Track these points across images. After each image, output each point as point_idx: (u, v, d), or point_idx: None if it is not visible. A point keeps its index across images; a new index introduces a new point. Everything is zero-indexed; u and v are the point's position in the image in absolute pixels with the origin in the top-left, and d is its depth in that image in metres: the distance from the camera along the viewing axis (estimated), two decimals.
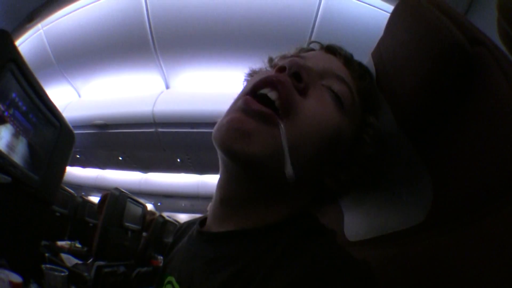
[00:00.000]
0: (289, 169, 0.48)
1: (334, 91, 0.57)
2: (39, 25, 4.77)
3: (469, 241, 0.44)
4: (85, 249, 3.48)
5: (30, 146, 1.19)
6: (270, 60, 0.72)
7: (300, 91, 0.53)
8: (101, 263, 2.31)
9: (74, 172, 10.04)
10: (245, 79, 0.72)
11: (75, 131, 1.61)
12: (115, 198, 2.49)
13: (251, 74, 0.72)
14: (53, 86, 5.67)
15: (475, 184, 0.44)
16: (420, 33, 0.50)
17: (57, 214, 3.21)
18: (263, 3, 3.83)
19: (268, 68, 0.71)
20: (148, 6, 4.11)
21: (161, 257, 3.47)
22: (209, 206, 0.68)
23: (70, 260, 2.53)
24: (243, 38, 4.21)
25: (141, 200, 3.10)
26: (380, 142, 0.61)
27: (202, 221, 0.68)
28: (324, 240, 0.51)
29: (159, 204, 12.47)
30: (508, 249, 0.38)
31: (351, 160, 0.60)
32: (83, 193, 8.37)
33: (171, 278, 0.62)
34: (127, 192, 2.65)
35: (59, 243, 3.22)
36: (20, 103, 1.11)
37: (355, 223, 0.78)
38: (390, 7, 3.37)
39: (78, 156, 8.32)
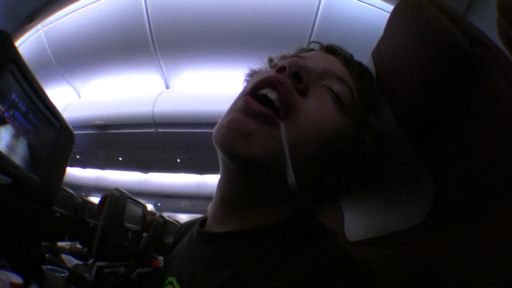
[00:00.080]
0: (291, 178, 0.47)
1: (334, 91, 0.57)
2: (39, 26, 4.77)
3: (469, 241, 0.44)
4: (86, 249, 3.48)
5: (30, 147, 1.19)
6: (270, 60, 0.72)
7: (300, 91, 0.53)
8: (102, 263, 2.31)
9: (74, 172, 10.04)
10: (245, 80, 0.72)
11: (75, 132, 1.61)
12: (116, 198, 2.48)
13: (251, 74, 0.72)
14: (53, 87, 5.67)
15: (475, 184, 0.44)
16: (420, 33, 0.50)
17: (58, 214, 3.21)
18: (262, 3, 3.83)
19: (268, 68, 0.71)
20: (148, 7, 4.11)
21: (162, 258, 3.47)
22: (210, 206, 0.68)
23: (70, 261, 2.52)
24: (243, 38, 4.21)
25: (141, 201, 3.10)
26: (380, 142, 0.61)
27: (202, 222, 0.68)
28: (324, 240, 0.51)
29: (159, 204, 12.47)
30: (508, 249, 0.38)
31: (351, 160, 0.60)
32: (83, 194, 8.39)
33: (172, 279, 0.62)
34: (127, 193, 2.65)
35: (60, 243, 3.21)
36: (20, 104, 1.11)
37: (355, 223, 0.78)
38: (390, 7, 3.37)
39: (78, 156, 8.32)
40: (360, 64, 0.66)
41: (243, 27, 4.08)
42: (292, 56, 0.67)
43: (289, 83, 0.52)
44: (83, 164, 9.42)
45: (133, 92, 5.57)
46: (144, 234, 3.38)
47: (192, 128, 5.14)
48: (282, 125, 0.49)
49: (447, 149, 0.50)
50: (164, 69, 5.07)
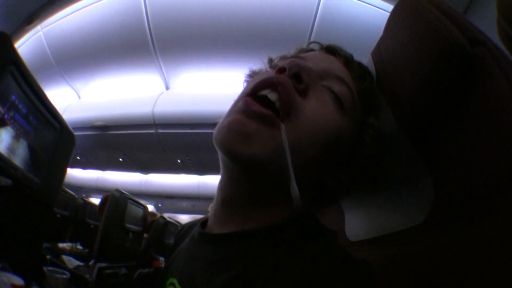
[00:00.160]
0: (295, 190, 0.47)
1: (334, 91, 0.57)
2: (38, 27, 4.76)
3: (469, 241, 0.44)
4: (86, 250, 3.49)
5: (31, 148, 1.19)
6: (270, 60, 0.72)
7: (300, 92, 0.53)
8: (103, 264, 2.31)
9: (74, 173, 10.04)
10: (245, 80, 0.72)
11: (75, 133, 1.60)
12: (116, 199, 2.48)
13: (251, 75, 0.73)
14: (53, 88, 5.67)
15: (475, 184, 0.44)
16: (420, 33, 0.50)
17: (58, 216, 3.21)
18: (262, 3, 3.83)
19: (268, 69, 0.71)
20: (148, 7, 4.11)
21: (163, 258, 3.47)
22: (210, 207, 0.68)
23: (71, 262, 2.53)
24: (243, 38, 4.21)
25: (142, 201, 3.10)
26: (380, 142, 0.61)
27: (203, 223, 0.68)
28: (325, 240, 0.51)
29: (160, 205, 12.47)
30: (508, 249, 0.38)
31: (352, 160, 0.60)
32: (83, 195, 8.40)
33: (173, 280, 0.62)
34: (128, 194, 2.65)
35: (61, 245, 3.22)
36: (20, 106, 1.11)
37: (356, 223, 0.78)
38: (390, 7, 3.37)
39: (78, 157, 8.32)
40: (360, 64, 0.66)
41: (243, 27, 4.08)
42: (292, 56, 0.67)
43: (289, 84, 0.52)
44: (84, 165, 9.41)
45: (133, 93, 5.56)
46: (145, 235, 3.38)
47: (192, 128, 5.14)
48: (282, 126, 0.49)
49: (447, 149, 0.50)
50: (164, 70, 5.07)
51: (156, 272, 3.13)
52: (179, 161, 8.12)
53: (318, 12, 3.76)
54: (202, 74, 5.03)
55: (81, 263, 2.58)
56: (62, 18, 4.58)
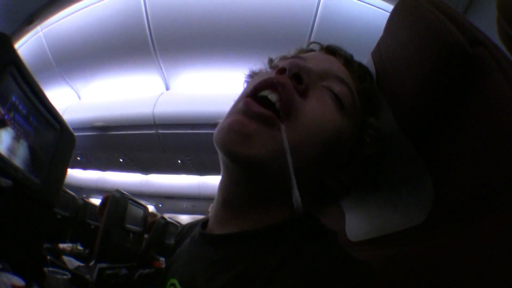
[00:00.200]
0: (296, 197, 0.47)
1: (334, 92, 0.57)
2: (38, 28, 4.76)
3: (469, 241, 0.44)
4: (87, 251, 3.49)
5: (31, 149, 1.19)
6: (270, 61, 0.72)
7: (300, 92, 0.53)
8: (103, 265, 2.31)
9: (75, 174, 10.04)
10: (245, 81, 0.72)
11: (76, 133, 1.60)
12: (117, 200, 2.48)
13: (251, 75, 0.73)
14: (53, 89, 5.67)
15: (475, 184, 0.44)
16: (420, 33, 0.50)
17: (59, 216, 3.21)
18: (261, 3, 3.82)
19: (268, 69, 0.71)
20: (147, 8, 4.11)
21: (163, 259, 3.47)
22: (211, 207, 0.68)
23: (72, 262, 2.53)
24: (242, 38, 4.21)
25: (142, 202, 3.10)
26: (380, 142, 0.61)
27: (204, 223, 0.68)
28: (325, 241, 0.51)
29: (160, 205, 12.48)
30: (508, 249, 0.38)
31: (352, 160, 0.60)
32: (84, 195, 8.39)
33: (174, 280, 0.62)
34: (128, 194, 2.65)
35: (61, 245, 3.22)
36: (20, 106, 1.11)
37: (356, 223, 0.78)
38: (390, 7, 3.37)
39: (78, 158, 8.33)
40: (360, 65, 0.66)
41: (243, 28, 4.08)
42: (292, 57, 0.67)
43: (290, 85, 0.52)
44: (84, 166, 9.42)
45: (133, 93, 5.56)
46: (146, 236, 3.38)
47: (193, 129, 5.14)
48: (282, 126, 0.49)
49: (447, 149, 0.50)
50: (164, 70, 5.07)
51: (156, 273, 3.13)
52: (179, 161, 8.13)
53: (318, 12, 3.76)
54: (202, 74, 5.03)
55: (81, 264, 2.58)
56: (62, 18, 4.58)
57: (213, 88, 5.07)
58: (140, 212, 3.01)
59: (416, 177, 0.56)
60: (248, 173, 0.52)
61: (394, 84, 0.58)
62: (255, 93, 0.54)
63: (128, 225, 2.62)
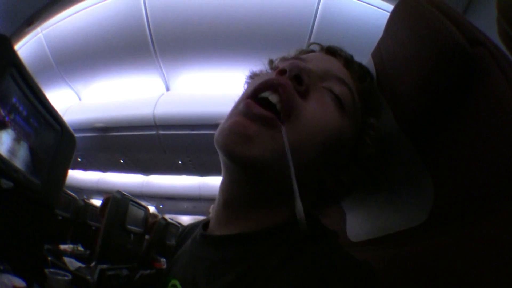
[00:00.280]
0: (300, 211, 0.47)
1: (335, 93, 0.57)
2: (38, 29, 4.76)
3: (469, 241, 0.44)
4: (88, 252, 3.49)
5: (32, 151, 1.19)
6: (271, 62, 0.72)
7: (301, 93, 0.53)
8: (104, 266, 2.31)
9: (75, 175, 10.05)
10: (245, 82, 0.72)
11: (76, 135, 1.60)
12: (117, 201, 2.48)
13: (252, 76, 0.73)
14: (54, 90, 5.67)
15: (475, 184, 0.44)
16: (420, 34, 0.50)
17: (59, 217, 3.21)
18: (261, 3, 3.82)
19: (269, 70, 0.71)
20: (147, 9, 4.11)
21: (164, 259, 3.47)
22: (211, 208, 0.68)
23: (73, 264, 2.53)
24: (243, 39, 4.21)
25: (143, 203, 3.10)
26: (381, 143, 0.61)
27: (205, 224, 0.68)
28: (326, 241, 0.51)
29: (161, 206, 12.48)
30: (508, 249, 0.38)
31: (352, 161, 0.60)
32: (84, 196, 8.39)
33: (175, 281, 0.62)
34: (129, 195, 2.65)
35: (62, 246, 3.22)
36: (21, 108, 1.11)
37: (357, 224, 0.78)
38: (390, 6, 3.37)
39: (79, 159, 8.33)
40: (360, 65, 0.66)
41: (242, 28, 4.08)
42: (292, 58, 0.67)
43: (290, 86, 0.52)
44: (84, 167, 9.43)
45: (133, 94, 5.56)
46: (146, 236, 3.39)
47: (193, 129, 5.14)
48: (283, 127, 0.49)
49: (447, 149, 0.50)
50: (164, 71, 5.07)
51: (157, 273, 3.14)
52: (180, 162, 8.13)
53: (318, 12, 3.75)
54: (202, 75, 5.02)
55: (82, 265, 2.58)
56: (62, 19, 4.58)
57: (214, 88, 5.06)
58: (141, 213, 3.01)
59: (417, 177, 0.56)
60: (249, 174, 0.52)
61: (394, 84, 0.58)
62: (256, 95, 0.54)
63: (129, 226, 2.63)
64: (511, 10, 0.57)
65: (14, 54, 1.08)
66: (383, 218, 0.66)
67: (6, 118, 1.04)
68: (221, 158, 0.55)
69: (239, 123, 0.50)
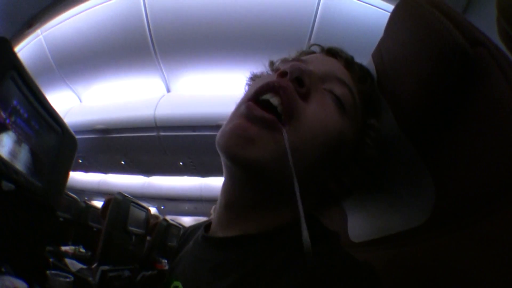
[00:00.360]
0: (306, 239, 0.46)
1: (336, 94, 0.57)
2: (38, 31, 4.77)
3: (470, 242, 0.44)
4: (89, 253, 3.49)
5: (33, 153, 1.19)
6: (271, 63, 0.73)
7: (302, 95, 0.54)
8: (106, 267, 2.31)
9: (76, 177, 10.06)
10: (246, 84, 0.72)
11: (77, 136, 1.60)
12: (119, 202, 2.48)
13: (253, 78, 0.73)
14: (54, 92, 5.68)
15: (476, 185, 0.44)
16: (420, 34, 0.50)
17: (61, 219, 3.21)
18: (261, 4, 3.83)
19: (269, 72, 0.71)
20: (147, 10, 4.11)
21: (165, 261, 3.47)
22: (213, 209, 0.68)
23: (74, 265, 2.52)
24: (243, 39, 4.21)
25: (144, 204, 3.10)
26: (382, 144, 0.61)
27: (207, 226, 0.68)
28: (327, 242, 0.51)
29: (162, 207, 12.48)
30: (509, 249, 0.38)
31: (353, 162, 0.60)
32: (86, 198, 8.40)
33: (177, 283, 0.62)
34: (130, 197, 2.65)
35: (63, 248, 3.22)
36: (21, 110, 1.11)
37: (358, 224, 0.78)
38: (390, 7, 3.37)
39: (80, 161, 8.34)
40: (361, 66, 0.66)
41: (243, 29, 4.08)
42: (293, 59, 0.67)
43: (291, 88, 0.53)
44: (86, 169, 9.44)
45: (134, 95, 5.57)
46: (148, 238, 3.39)
47: (194, 130, 5.14)
48: (284, 130, 0.49)
49: (448, 149, 0.50)
50: (164, 72, 5.07)
51: (158, 275, 3.13)
52: (181, 163, 8.14)
53: (318, 13, 3.76)
54: (203, 76, 5.03)
55: (84, 266, 2.57)
56: (62, 21, 4.59)
57: (214, 89, 5.07)
58: (142, 214, 3.01)
59: (417, 178, 0.56)
60: (250, 176, 0.52)
61: (394, 85, 0.58)
62: (257, 97, 0.54)
63: (130, 227, 2.62)
64: (511, 10, 0.57)
65: (14, 56, 1.08)
66: (383, 219, 0.66)
67: (7, 121, 1.04)
68: (223, 160, 0.55)
69: (241, 125, 0.51)
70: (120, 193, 2.53)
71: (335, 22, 3.78)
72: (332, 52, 0.67)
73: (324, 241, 0.51)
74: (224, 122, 0.57)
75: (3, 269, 1.07)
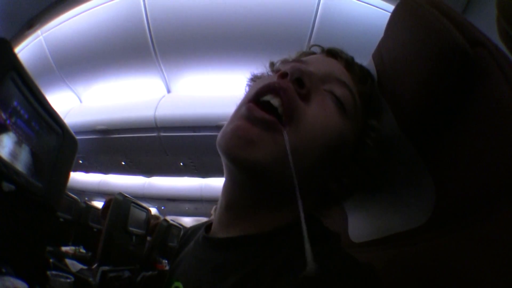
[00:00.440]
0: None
1: (336, 95, 0.57)
2: (38, 32, 4.76)
3: (470, 242, 0.44)
4: (90, 254, 3.49)
5: (33, 154, 1.19)
6: (272, 64, 0.73)
7: (302, 97, 0.54)
8: (106, 268, 2.31)
9: (77, 177, 10.05)
10: (247, 85, 0.72)
11: (78, 137, 1.60)
12: (119, 203, 2.48)
13: (253, 79, 0.73)
14: (54, 92, 5.68)
15: (476, 185, 0.44)
16: (420, 35, 0.50)
17: (61, 219, 3.21)
18: (261, 5, 3.82)
19: (270, 73, 0.71)
20: (148, 11, 4.11)
21: (166, 261, 3.47)
22: (213, 209, 0.68)
23: (75, 266, 2.53)
24: (243, 40, 4.21)
25: (145, 204, 3.10)
26: (382, 144, 0.61)
27: (207, 227, 0.68)
28: (328, 243, 0.51)
29: (162, 207, 12.47)
30: (509, 249, 0.38)
31: (354, 163, 0.60)
32: (86, 198, 8.40)
33: (178, 284, 0.62)
34: (130, 197, 2.65)
35: (64, 248, 3.22)
36: (22, 111, 1.11)
37: (359, 225, 0.78)
38: (390, 7, 3.37)
39: (81, 161, 8.33)
40: (361, 67, 0.66)
41: (243, 29, 4.08)
42: (293, 60, 0.67)
43: (291, 89, 0.53)
44: (86, 169, 9.43)
45: (134, 96, 5.55)
46: (148, 238, 3.38)
47: (194, 131, 5.13)
48: (285, 131, 0.49)
49: (448, 150, 0.50)
50: (165, 73, 5.07)
51: (159, 275, 3.13)
52: (181, 164, 8.13)
53: (318, 13, 3.75)
54: (203, 76, 5.02)
55: (84, 267, 2.58)
56: (62, 22, 4.58)
57: (215, 90, 5.06)
58: (143, 214, 3.01)
59: (418, 178, 0.56)
60: (251, 177, 0.52)
61: (394, 85, 0.58)
62: (258, 98, 0.54)
63: (130, 228, 2.62)
64: (511, 10, 0.57)
65: (14, 57, 1.08)
66: (385, 219, 0.66)
67: (7, 122, 1.04)
68: (224, 161, 0.55)
69: (241, 126, 0.51)
70: (120, 194, 2.52)
71: (335, 22, 3.78)
72: (332, 53, 0.67)
73: (325, 242, 0.51)
74: (225, 123, 0.57)
75: (3, 270, 1.07)
